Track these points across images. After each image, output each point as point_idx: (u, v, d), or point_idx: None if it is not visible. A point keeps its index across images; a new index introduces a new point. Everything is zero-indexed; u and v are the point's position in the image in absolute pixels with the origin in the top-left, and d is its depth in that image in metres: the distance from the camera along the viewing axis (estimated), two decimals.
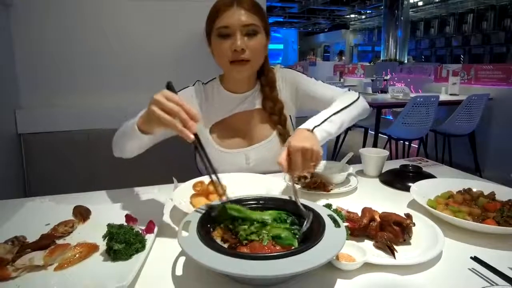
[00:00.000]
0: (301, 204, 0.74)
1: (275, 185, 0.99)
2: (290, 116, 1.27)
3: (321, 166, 1.15)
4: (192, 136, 0.72)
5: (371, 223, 0.77)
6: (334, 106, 1.08)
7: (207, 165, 0.75)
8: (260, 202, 0.77)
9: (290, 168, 0.83)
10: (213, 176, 0.76)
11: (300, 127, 0.97)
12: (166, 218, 0.88)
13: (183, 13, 1.79)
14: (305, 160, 0.84)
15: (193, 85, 1.25)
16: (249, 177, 1.07)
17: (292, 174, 0.85)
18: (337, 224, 0.66)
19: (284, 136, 1.23)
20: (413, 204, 0.95)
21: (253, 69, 1.15)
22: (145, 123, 0.86)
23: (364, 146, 3.74)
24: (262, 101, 1.23)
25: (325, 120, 1.01)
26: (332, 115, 1.03)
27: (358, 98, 1.16)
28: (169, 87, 0.78)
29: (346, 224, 0.75)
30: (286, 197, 0.79)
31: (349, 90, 1.23)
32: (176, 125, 0.72)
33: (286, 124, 1.24)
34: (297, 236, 0.67)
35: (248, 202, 0.77)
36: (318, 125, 0.97)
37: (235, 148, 1.20)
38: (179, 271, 0.67)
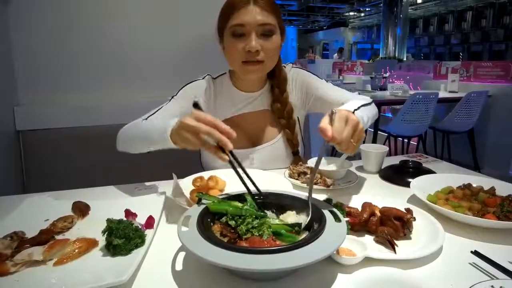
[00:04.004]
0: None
1: (275, 181, 0.99)
2: (298, 117, 1.25)
3: (321, 162, 1.15)
4: (227, 157, 0.72)
5: (371, 218, 0.77)
6: (357, 100, 1.02)
7: (244, 182, 0.75)
8: (261, 197, 0.77)
9: (333, 136, 0.73)
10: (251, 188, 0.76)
11: (338, 109, 0.87)
12: (166, 213, 0.88)
13: (184, 11, 1.78)
14: (350, 128, 0.76)
15: (203, 79, 1.23)
16: (249, 173, 1.06)
17: (334, 142, 0.74)
18: (337, 219, 0.66)
19: (291, 141, 1.22)
20: (413, 199, 0.94)
21: (266, 70, 1.13)
22: (178, 139, 0.82)
23: (363, 142, 3.73)
24: (271, 103, 1.22)
25: (359, 107, 0.95)
26: (361, 106, 0.98)
27: (373, 102, 1.14)
28: (197, 106, 0.78)
29: (346, 219, 0.75)
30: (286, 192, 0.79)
31: (359, 94, 1.23)
32: (210, 149, 0.73)
33: (295, 129, 1.22)
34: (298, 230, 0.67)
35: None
36: (357, 109, 0.91)
37: (240, 148, 1.18)
38: (179, 266, 0.66)
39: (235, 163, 0.75)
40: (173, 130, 0.83)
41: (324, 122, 0.74)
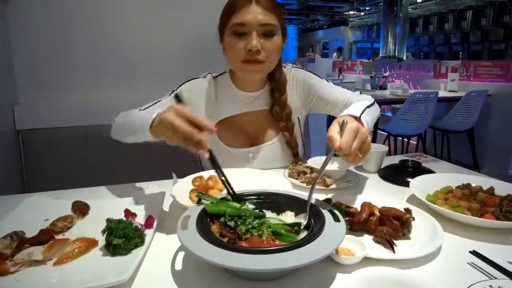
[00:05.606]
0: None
1: (274, 181, 1.00)
2: (298, 118, 1.25)
3: (320, 161, 1.15)
4: (207, 155, 0.72)
5: (370, 218, 0.77)
6: (361, 103, 1.00)
7: (222, 179, 0.76)
8: (261, 197, 0.77)
9: (341, 147, 0.74)
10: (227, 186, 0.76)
11: (344, 113, 0.89)
12: (166, 213, 0.88)
13: (184, 11, 1.78)
14: (358, 142, 0.76)
15: (204, 77, 1.22)
16: (249, 173, 1.06)
17: (341, 152, 0.75)
18: (336, 219, 0.66)
19: (290, 144, 1.22)
20: (412, 199, 0.95)
21: (266, 71, 1.13)
22: (158, 132, 0.81)
23: None
24: (270, 105, 1.21)
25: (364, 110, 0.94)
26: (366, 108, 0.96)
27: (375, 101, 1.12)
28: (178, 99, 0.78)
29: (345, 218, 0.75)
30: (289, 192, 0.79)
31: (360, 93, 1.22)
32: (190, 148, 0.72)
33: (294, 131, 1.22)
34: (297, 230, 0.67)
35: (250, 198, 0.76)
36: (362, 113, 0.91)
37: (238, 147, 1.19)
38: (178, 266, 0.67)
39: (212, 162, 0.76)
40: (153, 123, 0.82)
41: (334, 131, 0.76)
